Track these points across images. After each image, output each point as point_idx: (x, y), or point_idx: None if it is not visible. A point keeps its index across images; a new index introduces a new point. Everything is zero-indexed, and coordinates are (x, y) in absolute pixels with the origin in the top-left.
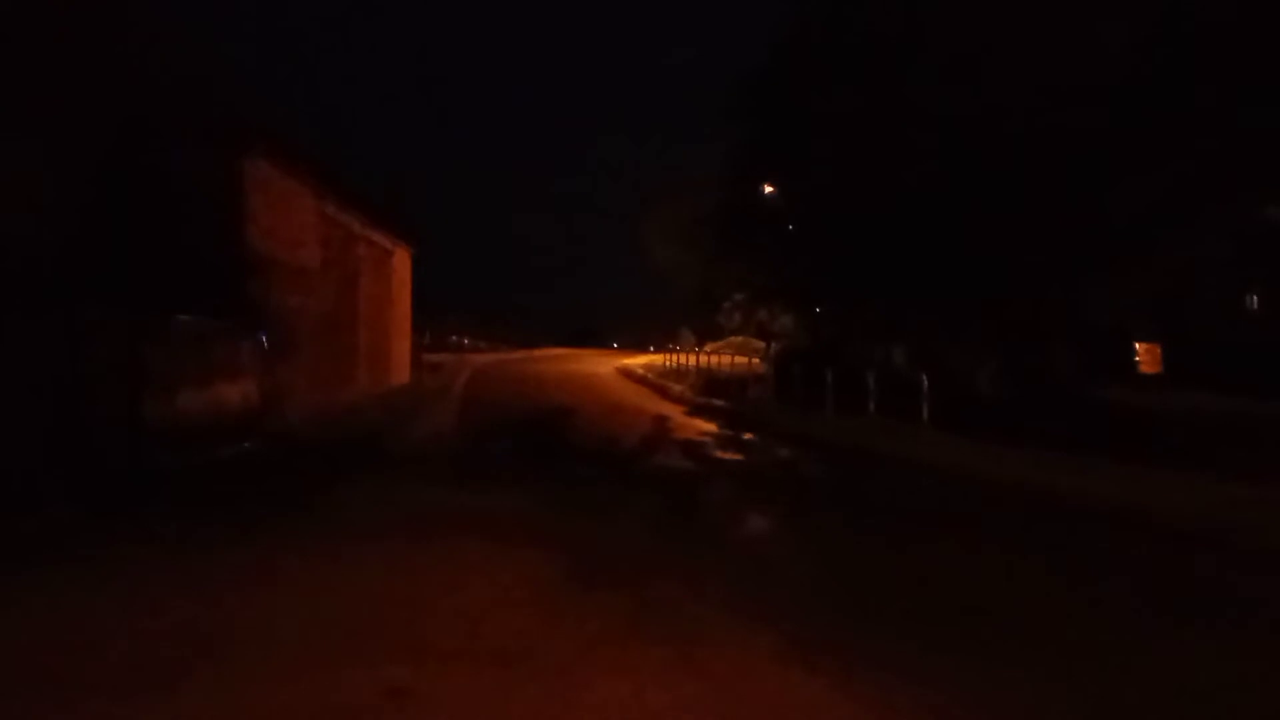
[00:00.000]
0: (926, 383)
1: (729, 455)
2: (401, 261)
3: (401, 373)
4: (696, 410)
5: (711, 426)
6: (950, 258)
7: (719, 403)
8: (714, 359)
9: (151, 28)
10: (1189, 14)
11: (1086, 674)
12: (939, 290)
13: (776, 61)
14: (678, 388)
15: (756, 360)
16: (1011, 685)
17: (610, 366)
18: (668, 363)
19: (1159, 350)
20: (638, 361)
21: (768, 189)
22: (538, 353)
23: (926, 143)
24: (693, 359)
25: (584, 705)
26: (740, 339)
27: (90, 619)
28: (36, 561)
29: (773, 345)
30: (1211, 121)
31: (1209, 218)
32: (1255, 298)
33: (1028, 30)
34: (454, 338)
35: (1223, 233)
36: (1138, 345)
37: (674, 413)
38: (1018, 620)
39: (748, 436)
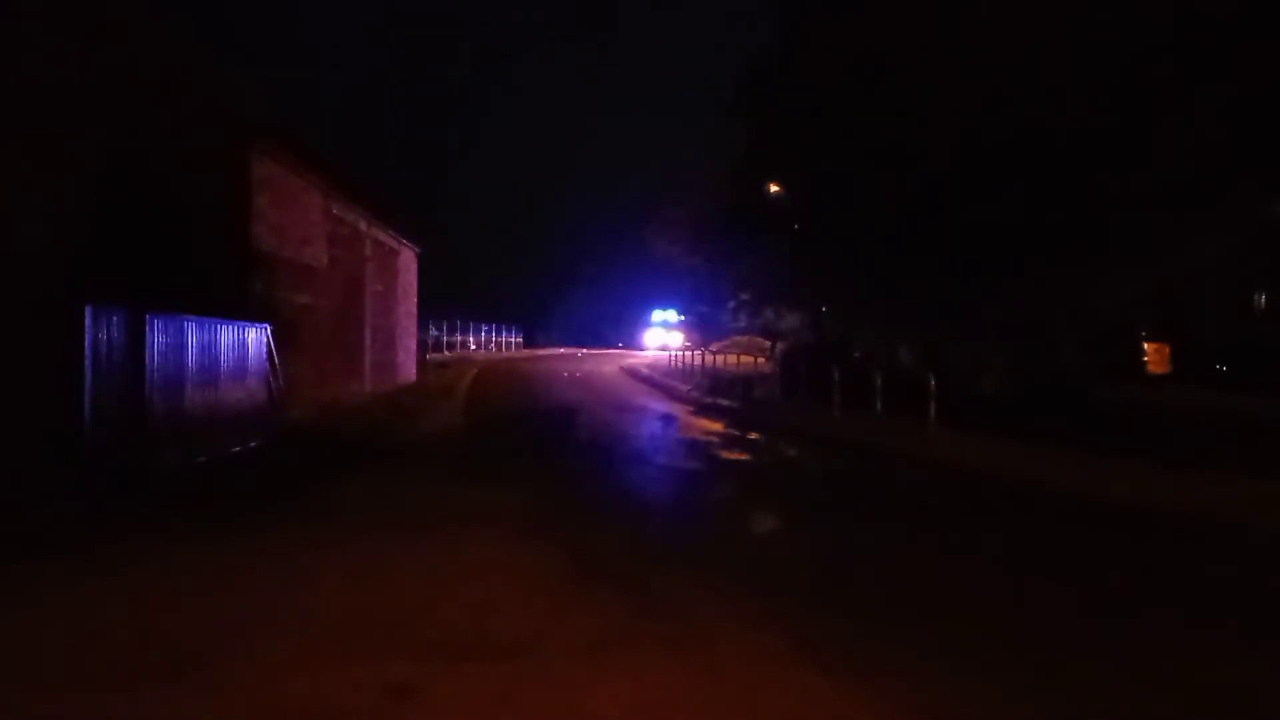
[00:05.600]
0: (933, 381)
1: (735, 454)
2: (408, 260)
3: (407, 371)
4: (702, 409)
5: (718, 425)
6: (955, 255)
7: (725, 402)
8: (719, 358)
9: (157, 25)
10: (1194, 9)
11: (1095, 674)
12: (945, 288)
13: (779, 59)
14: (683, 387)
15: (762, 359)
16: (1019, 686)
17: (615, 365)
18: (673, 362)
19: (1167, 350)
20: (642, 361)
21: (772, 188)
22: (542, 351)
23: (930, 140)
24: (698, 358)
25: (589, 704)
26: (746, 338)
27: (90, 615)
28: (39, 558)
29: (778, 344)
30: (1217, 116)
31: (1214, 214)
32: (1263, 297)
33: (1033, 25)
34: (459, 336)
35: (1229, 230)
36: (1146, 345)
37: (680, 412)
38: (1024, 619)
39: (754, 435)
